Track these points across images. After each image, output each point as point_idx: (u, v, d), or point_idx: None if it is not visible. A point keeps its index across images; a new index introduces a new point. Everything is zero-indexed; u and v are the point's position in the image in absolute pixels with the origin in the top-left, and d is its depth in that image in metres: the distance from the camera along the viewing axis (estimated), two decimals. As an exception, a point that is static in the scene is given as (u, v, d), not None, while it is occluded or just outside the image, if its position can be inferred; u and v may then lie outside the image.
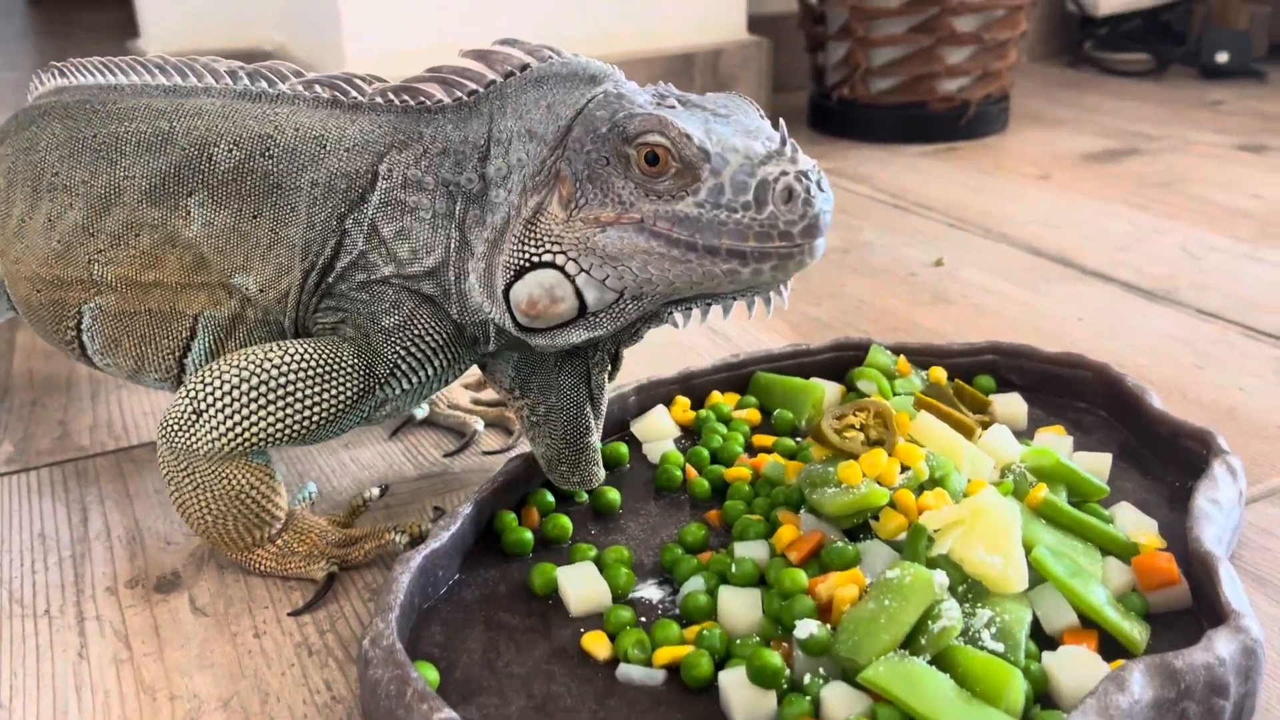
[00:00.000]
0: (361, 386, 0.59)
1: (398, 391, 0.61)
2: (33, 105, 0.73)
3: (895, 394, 0.75)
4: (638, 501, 0.68)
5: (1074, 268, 1.11)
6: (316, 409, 0.58)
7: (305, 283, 0.61)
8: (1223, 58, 1.98)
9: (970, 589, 0.53)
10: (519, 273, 0.56)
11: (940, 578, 0.51)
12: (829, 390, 0.77)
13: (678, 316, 0.59)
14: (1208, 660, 0.47)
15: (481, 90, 0.60)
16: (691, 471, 0.69)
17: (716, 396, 0.78)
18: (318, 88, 0.63)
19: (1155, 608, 0.55)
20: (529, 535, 0.63)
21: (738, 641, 0.53)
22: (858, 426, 0.61)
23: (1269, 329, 0.93)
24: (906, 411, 0.64)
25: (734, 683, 0.49)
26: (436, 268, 0.59)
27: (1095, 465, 0.67)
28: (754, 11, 1.76)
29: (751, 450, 0.72)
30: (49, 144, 0.67)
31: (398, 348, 0.60)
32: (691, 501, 0.68)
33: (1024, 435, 0.71)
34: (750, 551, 0.58)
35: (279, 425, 0.58)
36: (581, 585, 0.57)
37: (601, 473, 0.65)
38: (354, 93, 0.63)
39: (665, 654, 0.52)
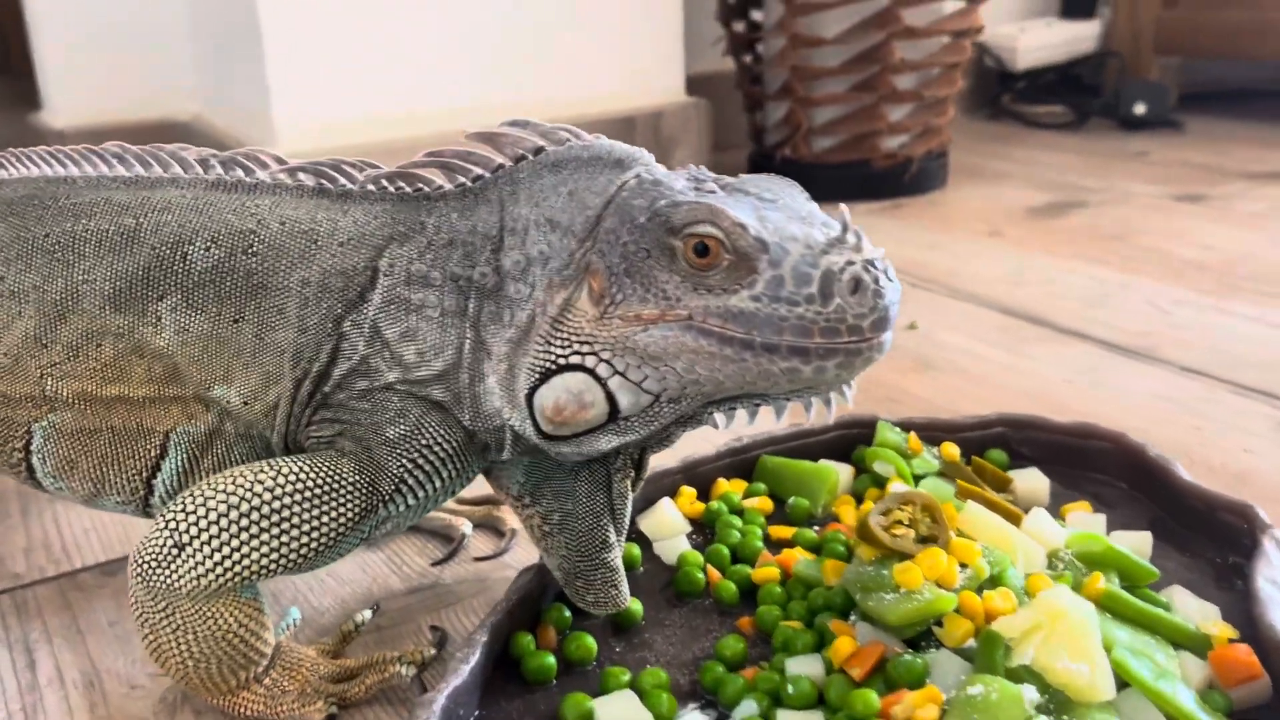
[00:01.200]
0: (363, 506, 0.53)
1: (402, 508, 0.55)
2: None
3: (914, 475, 0.71)
4: (659, 610, 0.62)
5: (1047, 326, 1.09)
6: (315, 535, 0.52)
7: (297, 393, 0.55)
8: (1140, 109, 2.03)
9: (1051, 699, 0.49)
10: (544, 376, 0.51)
11: (1030, 693, 0.47)
12: (843, 474, 0.73)
13: (719, 417, 0.54)
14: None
15: (489, 175, 0.55)
16: (714, 573, 0.64)
17: (724, 485, 0.73)
18: (301, 176, 0.57)
19: (1238, 704, 0.52)
20: (551, 660, 0.57)
21: (811, 776, 0.47)
22: (906, 521, 0.57)
23: (1258, 385, 0.92)
24: (950, 501, 0.60)
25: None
26: (446, 370, 0.54)
27: (1137, 545, 0.63)
28: (690, 70, 1.75)
29: (770, 544, 0.68)
30: None
31: (404, 460, 0.54)
32: (717, 607, 0.63)
33: (1050, 513, 0.68)
34: (804, 668, 0.53)
35: (273, 556, 0.51)
36: (623, 718, 0.52)
37: (625, 597, 0.59)
38: (343, 180, 0.57)
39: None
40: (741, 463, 0.76)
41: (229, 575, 0.51)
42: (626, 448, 0.55)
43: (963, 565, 0.55)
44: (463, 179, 0.55)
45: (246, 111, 1.52)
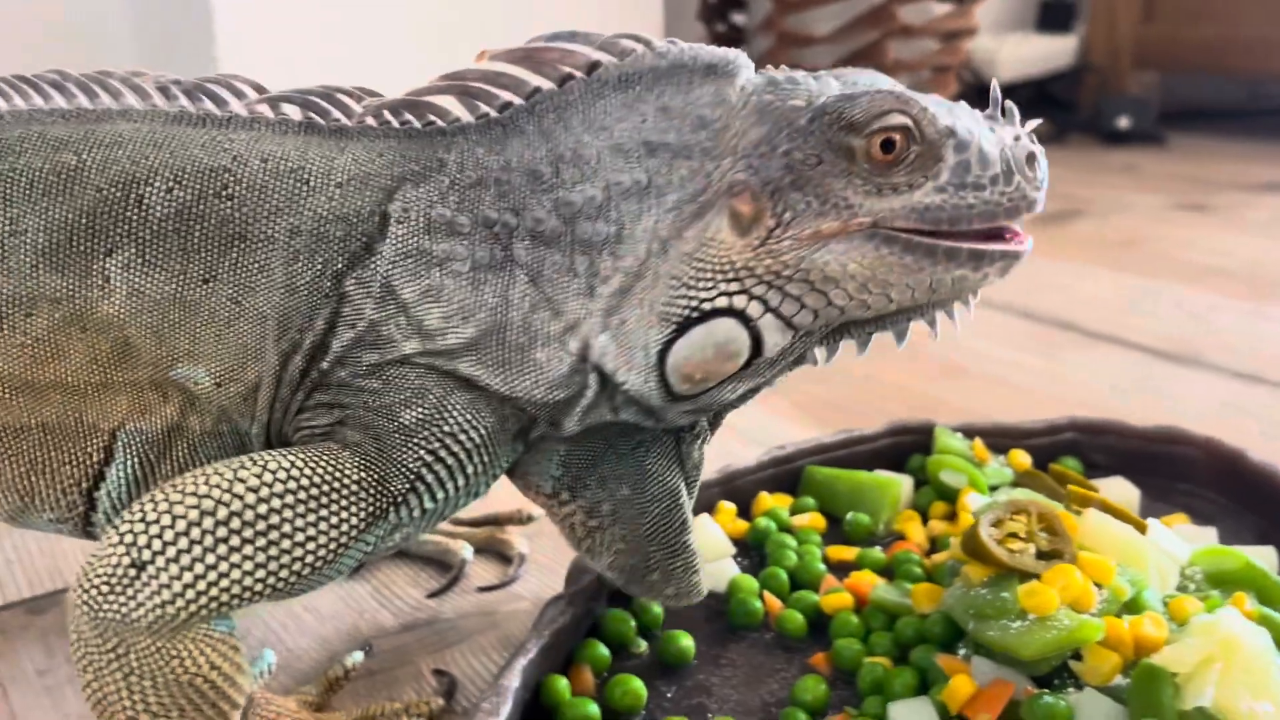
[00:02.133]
0: (371, 510, 0.42)
1: (416, 513, 0.44)
2: None
3: (991, 488, 0.62)
4: (712, 646, 0.52)
5: (1077, 331, 1.02)
6: (310, 547, 0.41)
7: (284, 372, 0.44)
8: (1124, 123, 1.99)
9: (1231, 749, 0.40)
10: (682, 327, 0.43)
11: (1217, 743, 0.37)
12: (904, 484, 0.64)
13: (820, 351, 0.46)
14: None
15: (522, 102, 0.45)
16: (774, 602, 0.54)
17: (767, 500, 0.64)
18: (286, 108, 0.46)
19: None
20: (594, 709, 0.46)
21: None
22: (1022, 534, 0.47)
23: (1324, 390, 0.85)
24: (1066, 511, 0.51)
25: None
26: (480, 337, 0.44)
27: (1262, 559, 0.55)
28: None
29: (831, 567, 0.58)
30: None
31: (421, 452, 0.43)
32: (781, 642, 0.52)
33: (1142, 527, 0.59)
34: (913, 714, 0.43)
35: (257, 575, 0.40)
36: (696, 783, 0.41)
37: (705, 584, 0.50)
38: (336, 112, 0.46)
39: None
40: (786, 473, 0.66)
41: (200, 602, 0.40)
42: (732, 403, 0.46)
43: (1098, 585, 0.45)
44: (485, 108, 0.45)
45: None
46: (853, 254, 0.43)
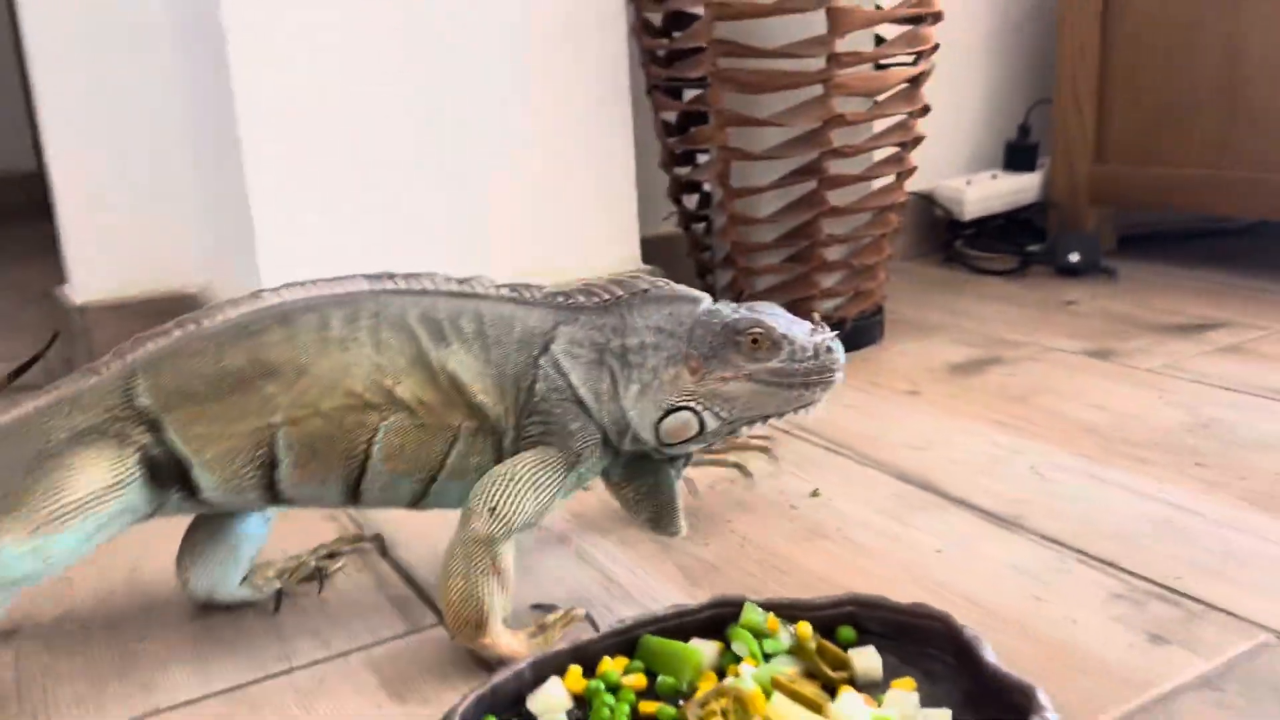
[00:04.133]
0: (565, 471, 0.90)
1: (581, 471, 0.91)
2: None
3: (766, 655, 0.83)
4: (536, 781, 0.75)
5: (937, 493, 1.22)
6: (550, 491, 0.88)
7: (516, 403, 0.91)
8: (1075, 258, 2.18)
9: None
10: (666, 413, 0.89)
11: None
12: (707, 650, 0.85)
13: (745, 429, 0.92)
14: None
15: (612, 298, 0.93)
16: (583, 748, 0.76)
17: (607, 663, 0.86)
18: (505, 290, 0.95)
19: None
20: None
21: None
22: (719, 712, 0.69)
23: (1103, 555, 1.04)
24: (763, 689, 0.72)
25: None
26: (593, 396, 0.91)
27: (935, 720, 0.75)
28: (650, 233, 1.92)
29: (637, 717, 0.80)
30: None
31: (578, 442, 0.90)
32: (585, 780, 0.74)
33: (881, 687, 0.80)
34: (637, 843, 0.65)
35: (535, 509, 0.88)
36: None
37: (684, 524, 0.98)
38: (528, 294, 0.94)
39: None
40: (626, 642, 0.88)
41: (516, 524, 0.86)
42: (693, 451, 0.97)
43: (764, 752, 0.67)
44: (598, 298, 0.93)
45: (241, 286, 1.70)
46: (741, 387, 0.88)
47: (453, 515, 0.90)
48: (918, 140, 1.76)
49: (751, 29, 1.60)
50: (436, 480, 0.91)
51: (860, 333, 1.79)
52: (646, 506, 0.96)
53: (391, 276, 0.95)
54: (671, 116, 1.81)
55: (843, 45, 1.56)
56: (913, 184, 2.41)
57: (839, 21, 1.54)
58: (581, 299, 0.93)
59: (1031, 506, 1.17)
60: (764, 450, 1.25)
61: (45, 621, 1.03)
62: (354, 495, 0.92)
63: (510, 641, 0.89)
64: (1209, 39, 2.09)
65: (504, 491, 0.86)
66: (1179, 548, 1.05)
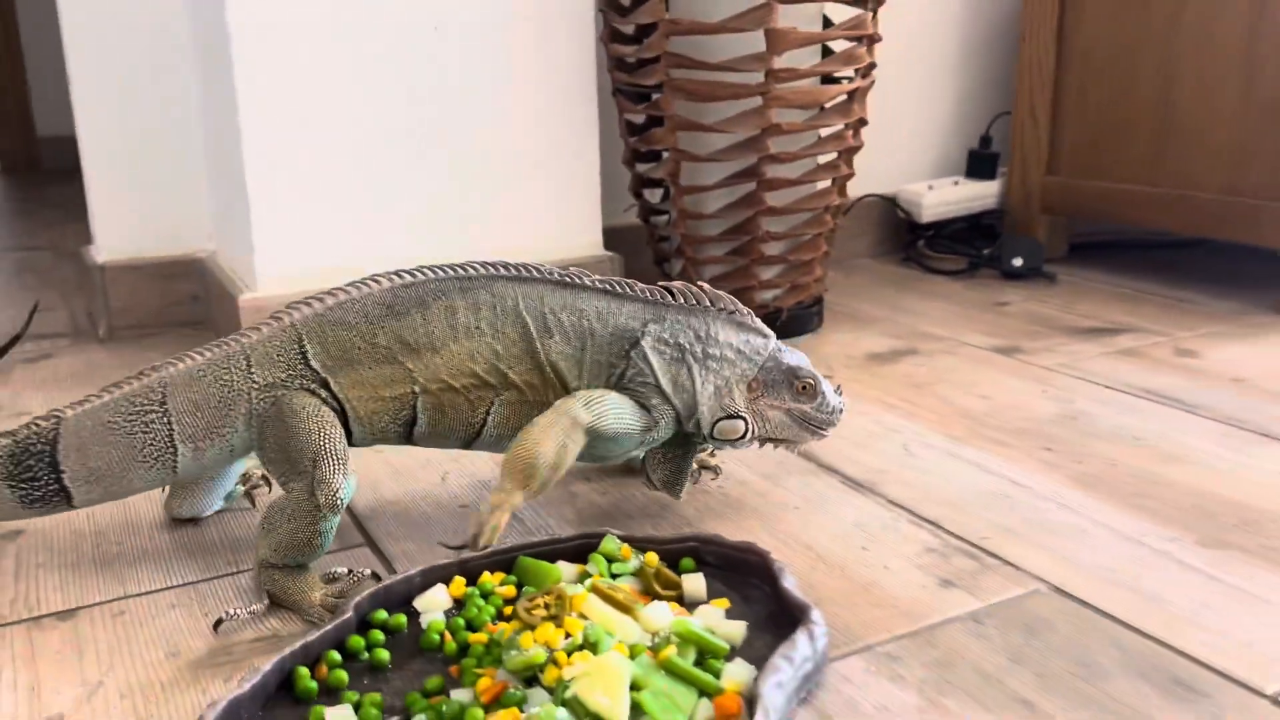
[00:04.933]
0: (645, 427, 1.13)
1: (657, 435, 1.15)
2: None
3: (614, 575, 1.02)
4: (410, 660, 0.94)
5: (813, 461, 1.39)
6: (626, 425, 1.11)
7: (608, 383, 1.13)
8: (1018, 262, 2.34)
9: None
10: (724, 417, 1.14)
11: (562, 713, 0.77)
12: (567, 570, 1.04)
13: (759, 445, 1.18)
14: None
15: (699, 304, 1.15)
16: (449, 636, 0.96)
17: (487, 576, 1.05)
18: (602, 283, 1.15)
19: (727, 734, 0.82)
20: (315, 685, 0.88)
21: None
22: (544, 606, 0.88)
23: (930, 516, 1.22)
24: (583, 594, 0.91)
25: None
26: (669, 385, 1.13)
27: (731, 631, 0.94)
28: (613, 223, 2.10)
29: (502, 618, 0.99)
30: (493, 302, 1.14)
31: (657, 414, 1.13)
32: (444, 659, 0.94)
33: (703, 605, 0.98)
34: (463, 695, 0.85)
35: (614, 426, 1.10)
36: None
37: (685, 492, 1.25)
38: (621, 289, 1.15)
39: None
40: (505, 561, 1.08)
41: (601, 424, 1.09)
42: (724, 447, 1.19)
43: (568, 634, 0.86)
44: (684, 300, 1.15)
45: (239, 256, 1.90)
46: (778, 415, 1.15)
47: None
48: (855, 149, 1.92)
49: (700, 44, 1.77)
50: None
51: (796, 321, 1.96)
52: (667, 470, 1.21)
53: (506, 266, 1.14)
54: (633, 118, 1.99)
55: (780, 62, 1.73)
56: (879, 187, 2.59)
57: (776, 41, 1.71)
58: (670, 298, 1.15)
59: (887, 476, 1.34)
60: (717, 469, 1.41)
61: (45, 527, 1.25)
62: (468, 446, 1.16)
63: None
64: (1147, 61, 2.23)
65: (599, 399, 1.09)
66: (998, 515, 1.23)
